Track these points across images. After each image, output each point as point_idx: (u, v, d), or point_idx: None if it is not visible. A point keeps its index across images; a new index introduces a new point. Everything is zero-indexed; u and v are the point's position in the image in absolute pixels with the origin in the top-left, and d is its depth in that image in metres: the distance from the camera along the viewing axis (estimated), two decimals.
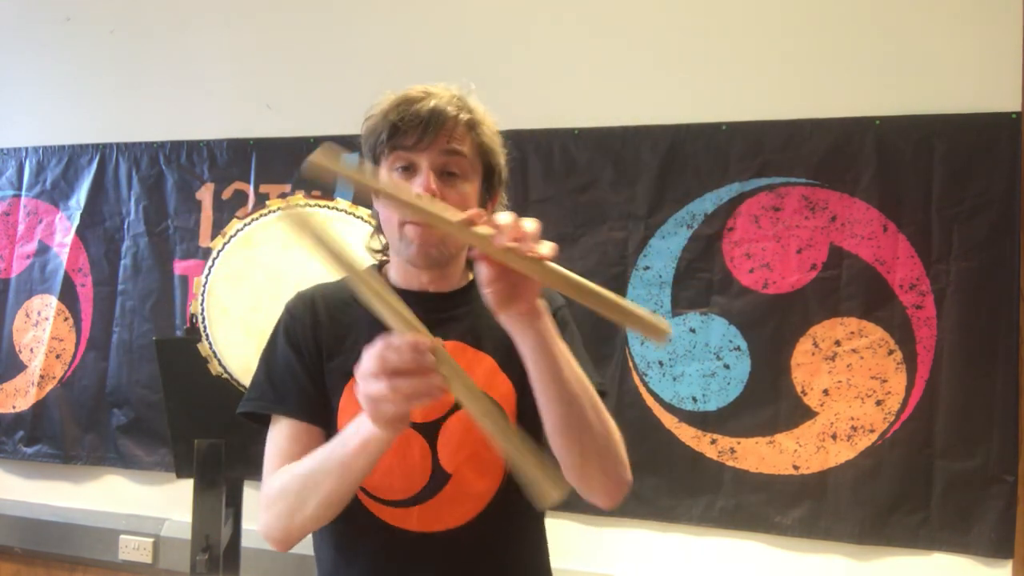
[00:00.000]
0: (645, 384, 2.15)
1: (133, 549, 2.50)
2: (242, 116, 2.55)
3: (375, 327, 0.86)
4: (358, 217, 1.70)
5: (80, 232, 2.66)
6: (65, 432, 2.62)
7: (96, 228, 2.65)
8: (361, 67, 2.43)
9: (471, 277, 1.09)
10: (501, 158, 1.08)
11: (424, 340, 0.78)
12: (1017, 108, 1.95)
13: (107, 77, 2.71)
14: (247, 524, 2.10)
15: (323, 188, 2.43)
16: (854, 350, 2.02)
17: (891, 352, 2.00)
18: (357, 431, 0.87)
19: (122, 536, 2.52)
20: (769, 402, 2.06)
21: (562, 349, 0.90)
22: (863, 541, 1.99)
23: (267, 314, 1.71)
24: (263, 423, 1.05)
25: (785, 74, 2.11)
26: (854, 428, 2.01)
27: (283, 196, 2.14)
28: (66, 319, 2.66)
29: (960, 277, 1.96)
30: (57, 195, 2.72)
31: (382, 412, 0.80)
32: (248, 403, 1.06)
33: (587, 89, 2.25)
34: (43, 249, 2.72)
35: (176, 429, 1.86)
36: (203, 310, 1.70)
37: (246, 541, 2.08)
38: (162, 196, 2.59)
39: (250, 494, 2.19)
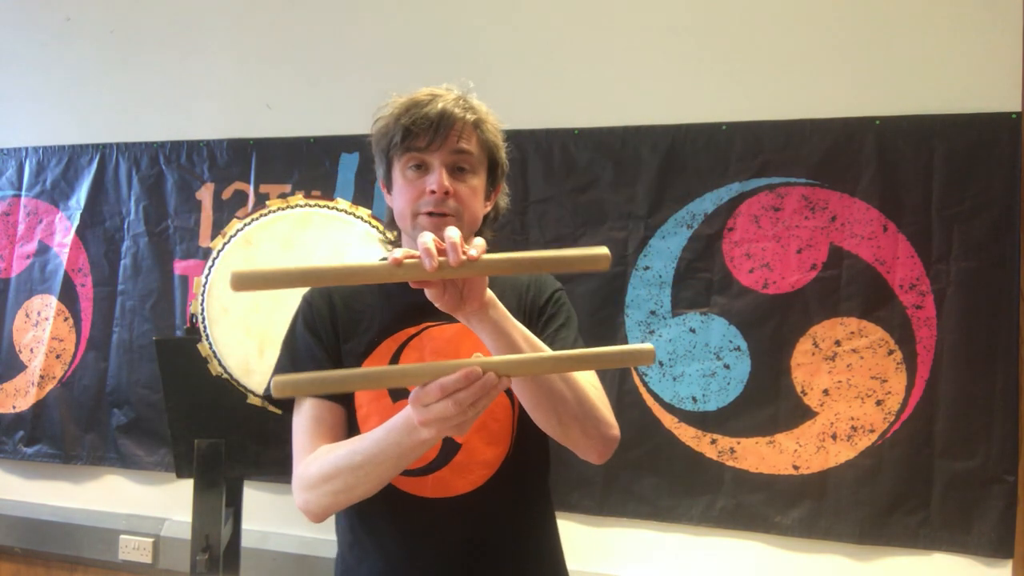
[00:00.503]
0: (645, 384, 2.15)
1: (133, 549, 2.50)
2: (242, 116, 2.55)
3: (386, 313, 1.10)
4: (358, 217, 1.70)
5: (80, 232, 2.66)
6: (65, 432, 2.62)
7: (96, 228, 2.65)
8: (361, 67, 2.43)
9: None
10: (503, 152, 1.18)
11: (473, 370, 0.78)
12: (1017, 108, 1.95)
13: (107, 77, 2.71)
14: (247, 524, 2.10)
15: (323, 189, 2.44)
16: (854, 350, 2.02)
17: (891, 352, 2.00)
18: (409, 432, 0.88)
19: (122, 536, 2.52)
20: (769, 402, 2.06)
21: (521, 331, 0.94)
22: (863, 541, 1.99)
23: (267, 314, 1.72)
24: (287, 408, 1.14)
25: (785, 74, 2.11)
26: (854, 428, 2.01)
27: (283, 196, 2.14)
28: (66, 319, 2.66)
29: (960, 277, 1.96)
30: (57, 195, 2.72)
31: (454, 429, 0.82)
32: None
33: (587, 89, 2.26)
34: (43, 249, 2.72)
35: (176, 429, 1.86)
36: (203, 310, 1.70)
37: (246, 541, 2.08)
38: (162, 196, 2.59)
39: (250, 494, 2.19)
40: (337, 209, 1.71)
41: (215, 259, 1.72)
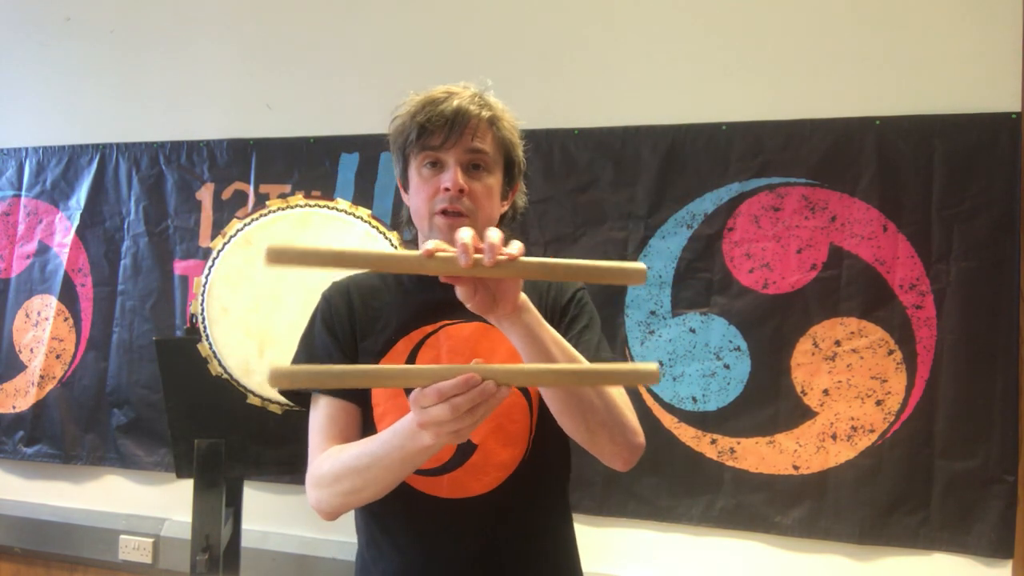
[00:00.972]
0: (645, 384, 2.15)
1: (133, 549, 2.50)
2: (242, 116, 2.55)
3: (403, 311, 1.10)
4: (358, 217, 1.70)
5: (80, 232, 2.66)
6: (65, 432, 2.62)
7: (96, 228, 2.65)
8: (361, 67, 2.43)
9: None
10: (520, 150, 1.16)
11: (472, 375, 0.77)
12: (1017, 108, 1.95)
13: (107, 77, 2.71)
14: (247, 524, 2.10)
15: (323, 189, 2.44)
16: (854, 350, 2.02)
17: (891, 352, 2.00)
18: (411, 436, 0.88)
19: (122, 536, 2.52)
20: (769, 402, 2.06)
21: (552, 335, 0.93)
22: (863, 541, 1.99)
23: (267, 314, 1.72)
24: (303, 404, 1.15)
25: (785, 74, 2.11)
26: (854, 428, 2.01)
27: (283, 196, 2.14)
28: (66, 319, 2.66)
29: (960, 277, 1.96)
30: (57, 195, 2.72)
31: (451, 435, 0.82)
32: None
33: (587, 89, 2.26)
34: (43, 249, 2.72)
35: (176, 429, 1.86)
36: (203, 310, 1.70)
37: (246, 541, 2.08)
38: (162, 196, 2.60)
39: (250, 494, 2.19)
40: (337, 209, 1.71)
41: (215, 259, 1.71)
